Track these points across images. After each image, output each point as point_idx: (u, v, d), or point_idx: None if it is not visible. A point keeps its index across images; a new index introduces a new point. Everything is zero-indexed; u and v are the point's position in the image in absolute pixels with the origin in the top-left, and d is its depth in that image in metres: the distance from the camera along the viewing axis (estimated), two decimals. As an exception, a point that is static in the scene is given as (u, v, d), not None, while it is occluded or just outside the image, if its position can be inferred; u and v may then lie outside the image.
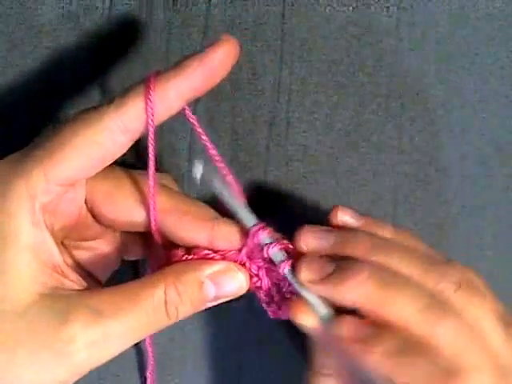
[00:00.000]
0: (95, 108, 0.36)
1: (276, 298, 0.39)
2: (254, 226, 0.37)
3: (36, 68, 0.44)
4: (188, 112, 0.37)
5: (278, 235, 0.38)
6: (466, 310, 0.35)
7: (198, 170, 0.37)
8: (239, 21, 0.44)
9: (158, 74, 0.36)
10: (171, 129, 0.45)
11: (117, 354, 0.35)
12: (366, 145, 0.46)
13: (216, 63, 0.35)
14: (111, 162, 0.37)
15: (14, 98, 0.44)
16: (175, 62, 0.36)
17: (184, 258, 0.38)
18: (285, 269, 0.37)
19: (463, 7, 0.45)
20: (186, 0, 0.44)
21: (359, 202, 0.47)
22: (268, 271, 0.38)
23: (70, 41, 0.44)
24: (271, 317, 0.39)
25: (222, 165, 0.38)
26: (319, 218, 0.47)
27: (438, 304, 0.34)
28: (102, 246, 0.41)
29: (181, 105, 0.36)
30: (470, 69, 0.46)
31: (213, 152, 0.38)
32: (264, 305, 0.39)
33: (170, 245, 0.39)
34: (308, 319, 0.36)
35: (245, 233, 0.38)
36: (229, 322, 0.47)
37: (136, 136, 0.36)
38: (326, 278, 0.36)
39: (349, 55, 0.45)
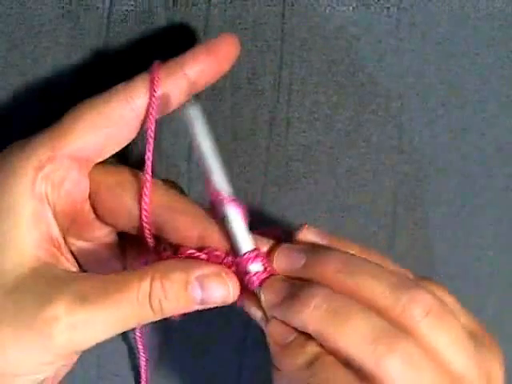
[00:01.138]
0: (100, 93, 0.38)
1: None
2: (248, 252, 0.37)
3: (36, 68, 0.44)
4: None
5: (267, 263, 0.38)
6: (432, 338, 0.34)
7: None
8: (239, 21, 0.44)
9: (163, 62, 0.38)
10: (171, 129, 0.45)
11: (100, 340, 0.36)
12: (365, 145, 0.46)
13: (221, 52, 0.38)
14: (116, 147, 0.38)
15: (14, 98, 0.44)
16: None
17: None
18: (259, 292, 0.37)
19: (463, 7, 0.45)
20: (186, 0, 0.44)
21: (359, 202, 0.47)
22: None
23: (70, 41, 0.44)
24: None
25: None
26: (319, 218, 0.47)
27: (390, 335, 0.33)
28: (100, 250, 0.41)
29: (186, 91, 0.38)
30: (470, 69, 0.46)
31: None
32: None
33: (162, 246, 0.39)
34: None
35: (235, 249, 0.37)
36: (229, 322, 0.47)
37: (142, 115, 0.37)
38: (281, 301, 0.36)
39: (349, 55, 0.45)
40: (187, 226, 0.38)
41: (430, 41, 0.45)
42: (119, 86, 0.38)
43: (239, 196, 0.46)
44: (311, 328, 0.34)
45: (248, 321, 0.47)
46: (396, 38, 0.45)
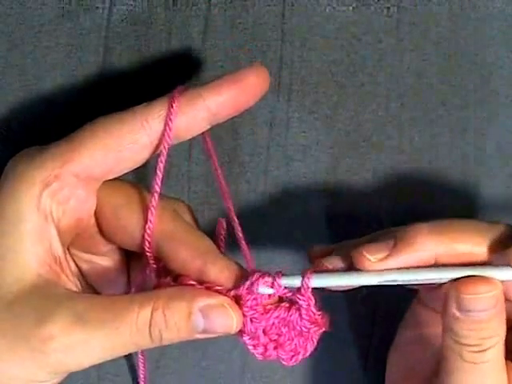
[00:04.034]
0: (116, 112, 0.37)
1: (262, 341, 0.38)
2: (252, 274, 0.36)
3: (36, 68, 0.44)
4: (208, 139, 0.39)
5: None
6: None
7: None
8: (239, 21, 0.44)
9: (186, 88, 0.37)
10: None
11: (97, 362, 0.35)
12: (365, 145, 0.46)
13: (247, 85, 0.37)
14: (127, 169, 0.37)
15: (14, 98, 0.44)
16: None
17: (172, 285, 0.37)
18: (310, 279, 0.36)
19: (463, 7, 0.45)
20: (186, 0, 0.44)
21: (359, 202, 0.47)
22: (252, 317, 0.37)
23: (70, 41, 0.44)
24: (259, 359, 0.38)
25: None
26: (319, 218, 0.47)
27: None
28: (104, 263, 0.41)
29: (206, 122, 0.37)
30: (470, 69, 0.46)
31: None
32: (250, 347, 0.38)
33: (163, 270, 0.38)
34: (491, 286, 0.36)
35: (240, 277, 0.37)
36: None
37: (157, 140, 0.37)
38: (391, 251, 0.37)
39: (349, 55, 0.45)
40: (188, 258, 0.37)
41: (430, 41, 0.45)
42: (137, 109, 0.37)
43: (239, 196, 0.46)
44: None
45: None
46: (396, 37, 0.45)
